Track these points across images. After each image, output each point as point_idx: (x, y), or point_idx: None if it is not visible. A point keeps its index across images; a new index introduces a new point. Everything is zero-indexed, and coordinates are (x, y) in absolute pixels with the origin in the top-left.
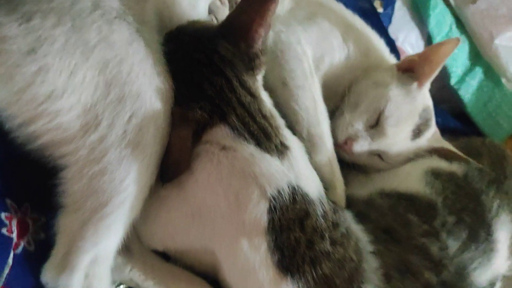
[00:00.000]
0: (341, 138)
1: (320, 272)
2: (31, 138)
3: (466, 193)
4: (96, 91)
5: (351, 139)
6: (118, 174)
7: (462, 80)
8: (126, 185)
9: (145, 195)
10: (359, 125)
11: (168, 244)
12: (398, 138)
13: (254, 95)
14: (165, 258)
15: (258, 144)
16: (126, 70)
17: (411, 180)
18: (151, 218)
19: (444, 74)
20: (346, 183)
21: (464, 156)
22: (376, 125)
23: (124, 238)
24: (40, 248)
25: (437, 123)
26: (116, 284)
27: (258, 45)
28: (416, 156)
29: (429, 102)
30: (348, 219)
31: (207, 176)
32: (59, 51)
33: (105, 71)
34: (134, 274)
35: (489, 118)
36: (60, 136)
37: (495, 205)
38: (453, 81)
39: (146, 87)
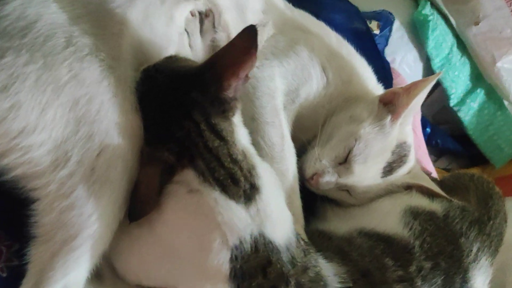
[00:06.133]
0: (309, 173)
1: None
2: (4, 170)
3: (445, 235)
4: (66, 128)
5: (317, 174)
6: (86, 210)
7: (462, 102)
8: (94, 220)
9: (114, 229)
10: (326, 161)
11: (142, 281)
12: (365, 176)
13: (224, 139)
14: None
15: (224, 190)
16: (95, 108)
17: (390, 221)
18: (125, 255)
19: (444, 96)
20: (325, 218)
21: (442, 194)
22: (344, 161)
23: (96, 266)
24: (13, 274)
25: (437, 144)
26: None
27: (229, 93)
28: (387, 192)
29: (407, 138)
30: (319, 262)
31: (175, 217)
32: (31, 88)
33: (75, 108)
34: None
35: (490, 141)
36: (31, 170)
37: (474, 248)
38: (452, 102)
39: (115, 125)
